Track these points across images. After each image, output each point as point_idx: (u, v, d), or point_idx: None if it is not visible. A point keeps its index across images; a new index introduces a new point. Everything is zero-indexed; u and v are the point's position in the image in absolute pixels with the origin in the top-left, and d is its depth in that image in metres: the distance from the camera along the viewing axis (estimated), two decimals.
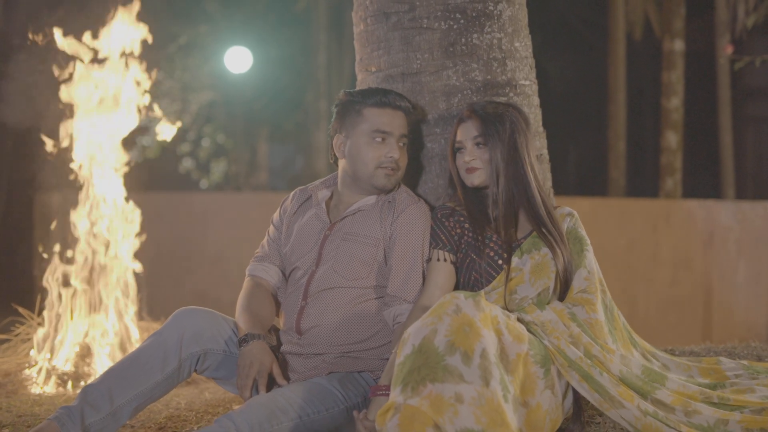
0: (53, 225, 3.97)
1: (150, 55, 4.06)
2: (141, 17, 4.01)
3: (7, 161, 8.74)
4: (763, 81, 10.10)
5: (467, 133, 2.43)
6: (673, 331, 4.85)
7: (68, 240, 3.88)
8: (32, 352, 3.69)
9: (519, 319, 2.26)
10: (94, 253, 3.79)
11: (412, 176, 2.72)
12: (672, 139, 8.20)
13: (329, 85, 11.34)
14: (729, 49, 7.88)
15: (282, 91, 11.70)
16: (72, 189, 3.94)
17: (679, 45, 8.29)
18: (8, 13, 5.52)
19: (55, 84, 3.92)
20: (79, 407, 2.24)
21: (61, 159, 4.02)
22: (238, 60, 9.76)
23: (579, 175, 13.98)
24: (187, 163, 12.19)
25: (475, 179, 2.43)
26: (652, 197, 9.57)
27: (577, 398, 2.28)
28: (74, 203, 3.86)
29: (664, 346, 3.15)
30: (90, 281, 3.78)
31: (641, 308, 5.72)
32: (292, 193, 2.69)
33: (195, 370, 2.39)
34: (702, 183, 11.76)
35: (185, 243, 7.49)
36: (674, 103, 8.23)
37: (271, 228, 2.63)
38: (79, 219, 3.81)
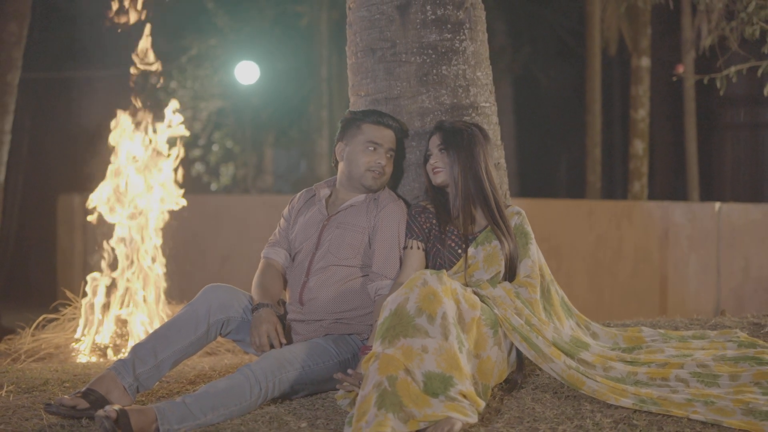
0: (88, 221, 4.41)
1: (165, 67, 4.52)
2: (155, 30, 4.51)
3: (23, 163, 9.23)
4: (740, 91, 10.61)
5: (434, 142, 2.98)
6: (634, 317, 5.30)
7: (104, 235, 4.32)
8: (79, 329, 4.12)
9: (474, 293, 2.75)
10: (129, 247, 4.20)
11: (393, 180, 3.17)
12: (639, 146, 8.65)
13: (330, 96, 11.50)
14: (680, 69, 8.45)
15: (287, 100, 11.84)
16: (95, 189, 4.30)
17: (645, 62, 8.73)
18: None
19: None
20: (131, 360, 2.68)
21: (89, 160, 4.46)
22: (246, 72, 10.01)
23: (570, 179, 14.32)
24: (198, 167, 12.30)
25: (438, 178, 2.95)
26: (623, 199, 10.06)
27: (520, 355, 2.72)
28: (110, 202, 4.26)
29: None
30: (126, 271, 4.20)
31: (606, 297, 6.20)
32: (299, 193, 3.21)
33: (220, 334, 2.84)
34: (677, 187, 12.21)
35: (198, 241, 7.79)
36: (641, 114, 8.68)
37: (282, 220, 3.14)
38: (116, 217, 4.22)
